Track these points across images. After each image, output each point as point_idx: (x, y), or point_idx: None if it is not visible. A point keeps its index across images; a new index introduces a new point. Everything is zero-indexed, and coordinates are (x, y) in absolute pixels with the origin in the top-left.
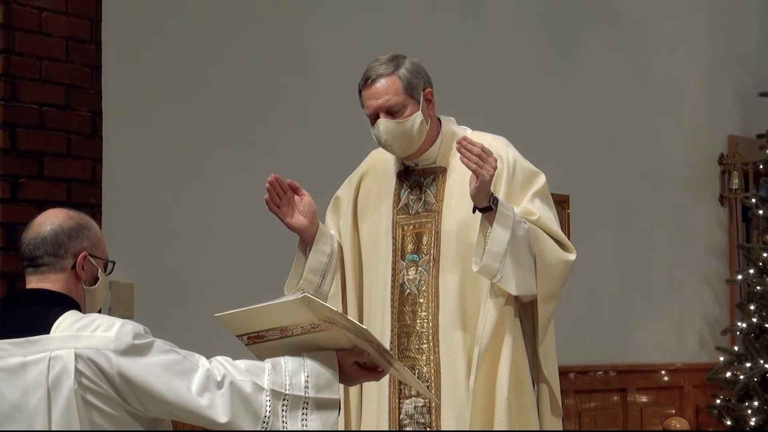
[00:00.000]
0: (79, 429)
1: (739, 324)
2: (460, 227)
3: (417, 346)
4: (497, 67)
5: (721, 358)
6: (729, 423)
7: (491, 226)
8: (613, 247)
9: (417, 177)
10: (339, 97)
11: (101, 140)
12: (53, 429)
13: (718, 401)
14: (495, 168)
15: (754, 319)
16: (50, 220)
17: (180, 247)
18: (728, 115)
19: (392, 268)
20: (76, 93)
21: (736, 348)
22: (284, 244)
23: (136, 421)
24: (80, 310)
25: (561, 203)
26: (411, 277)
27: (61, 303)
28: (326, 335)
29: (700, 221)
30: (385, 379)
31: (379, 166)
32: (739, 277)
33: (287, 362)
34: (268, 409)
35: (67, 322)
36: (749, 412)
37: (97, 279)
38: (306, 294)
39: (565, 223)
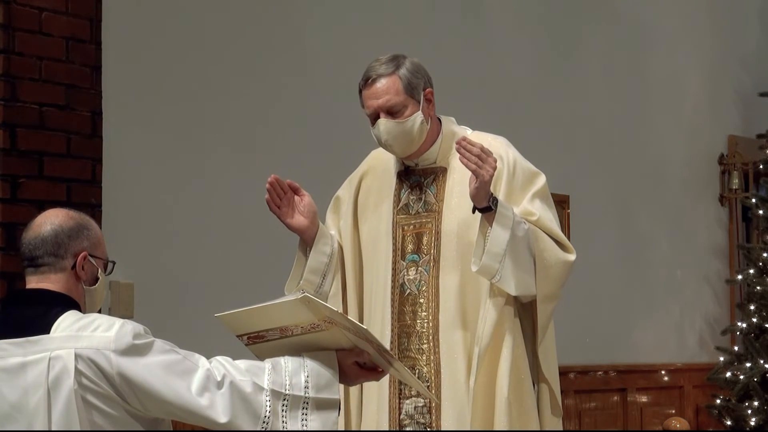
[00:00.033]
0: (79, 429)
1: (739, 324)
2: (461, 227)
3: (417, 346)
4: (497, 67)
5: (721, 358)
6: (729, 423)
7: (491, 227)
8: (613, 247)
9: (417, 177)
10: (339, 97)
11: (101, 140)
12: (53, 429)
13: (718, 401)
14: (494, 168)
15: (754, 319)
16: (50, 220)
17: (180, 247)
18: (728, 115)
19: (392, 268)
20: (76, 93)
21: (736, 348)
22: (284, 244)
23: (136, 421)
24: (80, 310)
25: (561, 203)
26: (411, 277)
27: (61, 303)
28: (326, 335)
29: (700, 221)
30: (386, 379)
31: (380, 166)
32: (739, 277)
33: (287, 362)
34: (268, 409)
35: (67, 322)
36: (749, 412)
37: (97, 279)
38: (306, 294)
39: (565, 223)
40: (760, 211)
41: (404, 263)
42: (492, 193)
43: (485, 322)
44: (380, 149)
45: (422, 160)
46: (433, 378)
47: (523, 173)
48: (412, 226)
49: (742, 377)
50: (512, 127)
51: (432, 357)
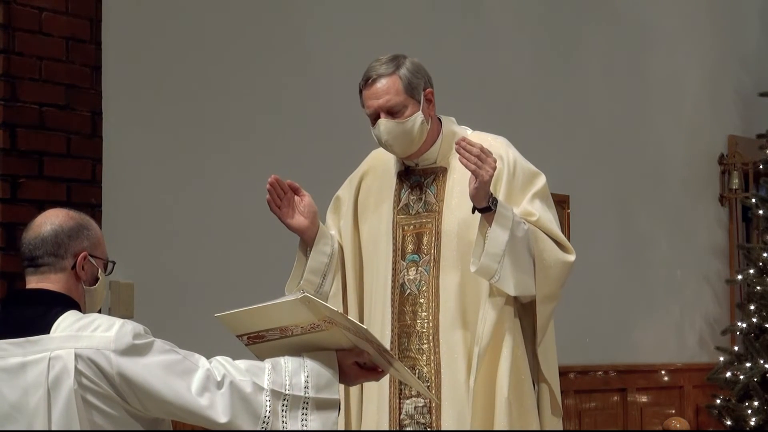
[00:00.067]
0: (79, 429)
1: (739, 324)
2: (461, 227)
3: (417, 346)
4: (497, 67)
5: (721, 358)
6: (729, 423)
7: (490, 227)
8: (613, 247)
9: (417, 177)
10: (339, 97)
11: (101, 140)
12: (53, 429)
13: (718, 401)
14: (494, 168)
15: (754, 319)
16: (50, 220)
17: (180, 247)
18: (728, 115)
19: (393, 268)
20: (76, 93)
21: (736, 348)
22: (284, 244)
23: (136, 421)
24: (80, 310)
25: (561, 203)
26: (411, 277)
27: (61, 303)
28: (326, 335)
29: (700, 221)
30: (386, 379)
31: (380, 166)
32: (739, 277)
33: (287, 362)
34: (268, 409)
35: (67, 322)
36: (749, 412)
37: (97, 279)
38: (306, 294)
39: (565, 223)
40: (760, 211)
41: (404, 263)
42: (492, 194)
43: (485, 322)
44: (380, 149)
45: (422, 160)
46: (433, 378)
47: (523, 173)
48: (412, 226)
49: (742, 377)
50: (512, 127)
51: (432, 357)
